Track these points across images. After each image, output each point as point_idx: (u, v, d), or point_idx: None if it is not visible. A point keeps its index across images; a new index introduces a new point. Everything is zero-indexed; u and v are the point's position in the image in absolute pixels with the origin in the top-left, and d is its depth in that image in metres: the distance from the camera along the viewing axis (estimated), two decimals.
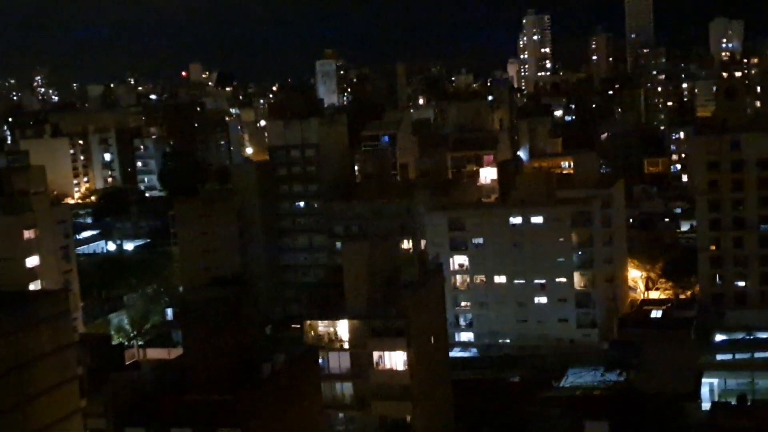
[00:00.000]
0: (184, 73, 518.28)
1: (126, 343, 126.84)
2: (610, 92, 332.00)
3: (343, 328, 79.40)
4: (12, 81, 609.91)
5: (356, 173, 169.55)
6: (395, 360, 77.90)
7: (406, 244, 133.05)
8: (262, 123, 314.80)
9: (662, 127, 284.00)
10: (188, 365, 65.34)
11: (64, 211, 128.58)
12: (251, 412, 59.84)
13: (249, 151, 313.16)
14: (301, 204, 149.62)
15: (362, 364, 78.59)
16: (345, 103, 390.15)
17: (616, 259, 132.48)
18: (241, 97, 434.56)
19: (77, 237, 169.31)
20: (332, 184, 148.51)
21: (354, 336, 78.92)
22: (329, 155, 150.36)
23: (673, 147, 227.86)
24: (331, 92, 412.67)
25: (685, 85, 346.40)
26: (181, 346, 77.87)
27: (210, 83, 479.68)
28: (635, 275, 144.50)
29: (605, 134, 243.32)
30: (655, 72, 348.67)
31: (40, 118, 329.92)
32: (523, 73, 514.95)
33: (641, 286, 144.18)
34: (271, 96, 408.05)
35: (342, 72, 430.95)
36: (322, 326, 79.91)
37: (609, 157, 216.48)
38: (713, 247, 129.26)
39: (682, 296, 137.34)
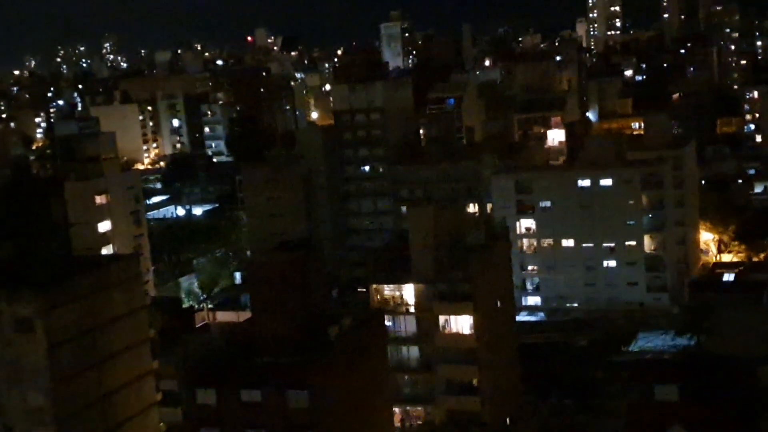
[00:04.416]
0: (249, 39, 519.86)
1: (196, 306, 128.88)
2: (682, 51, 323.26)
3: (408, 292, 79.48)
4: (82, 48, 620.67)
5: (421, 136, 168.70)
6: (461, 324, 77.79)
7: (472, 208, 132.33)
8: (327, 87, 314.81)
9: (736, 86, 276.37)
10: (256, 328, 66.21)
11: (134, 177, 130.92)
12: (319, 374, 60.36)
13: (314, 115, 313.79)
14: (367, 168, 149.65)
15: (428, 328, 78.66)
16: (410, 65, 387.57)
17: (687, 222, 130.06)
18: (306, 62, 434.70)
19: (147, 202, 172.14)
20: (397, 148, 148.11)
21: (420, 300, 78.95)
22: (394, 119, 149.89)
23: (746, 106, 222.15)
24: (396, 55, 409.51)
25: (759, 43, 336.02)
26: (249, 309, 78.80)
27: (275, 48, 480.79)
28: (707, 238, 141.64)
29: (677, 94, 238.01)
30: (728, 30, 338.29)
31: (109, 84, 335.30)
32: (592, 33, 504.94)
33: (713, 248, 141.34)
34: (336, 60, 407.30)
35: (407, 34, 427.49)
36: (388, 290, 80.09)
37: (681, 117, 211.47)
38: None
39: (755, 259, 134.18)
